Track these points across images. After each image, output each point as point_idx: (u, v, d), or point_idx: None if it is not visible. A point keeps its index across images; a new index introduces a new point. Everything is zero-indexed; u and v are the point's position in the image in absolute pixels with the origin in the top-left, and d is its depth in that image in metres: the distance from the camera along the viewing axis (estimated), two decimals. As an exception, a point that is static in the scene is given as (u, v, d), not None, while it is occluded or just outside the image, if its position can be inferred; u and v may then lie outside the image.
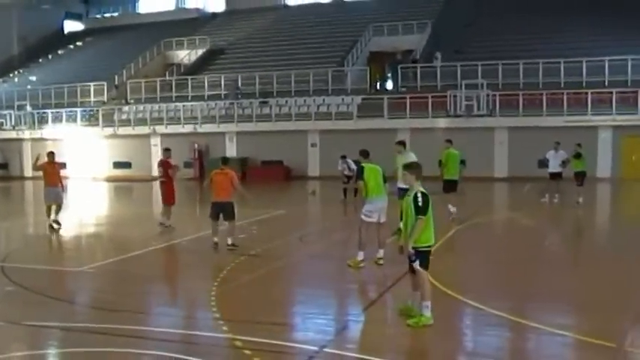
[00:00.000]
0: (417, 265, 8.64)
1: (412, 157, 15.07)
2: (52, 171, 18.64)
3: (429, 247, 8.70)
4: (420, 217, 8.54)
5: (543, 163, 23.85)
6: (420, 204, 8.55)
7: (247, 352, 7.59)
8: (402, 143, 15.95)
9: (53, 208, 18.50)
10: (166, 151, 19.15)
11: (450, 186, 18.99)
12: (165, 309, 10.21)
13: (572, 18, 40.57)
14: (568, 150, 23.07)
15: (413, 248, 8.60)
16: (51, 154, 19.02)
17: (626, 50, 35.03)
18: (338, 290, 11.26)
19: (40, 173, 18.98)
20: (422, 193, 8.61)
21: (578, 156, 22.79)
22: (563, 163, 22.66)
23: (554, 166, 22.85)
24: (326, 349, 7.81)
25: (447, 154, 19.17)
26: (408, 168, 9.05)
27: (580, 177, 22.71)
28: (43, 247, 16.95)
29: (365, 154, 13.19)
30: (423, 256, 8.67)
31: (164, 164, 18.44)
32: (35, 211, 22.31)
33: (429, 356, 8.12)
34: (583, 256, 14.94)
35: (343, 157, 24.80)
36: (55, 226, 18.26)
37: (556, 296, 10.43)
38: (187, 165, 39.70)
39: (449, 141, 19.93)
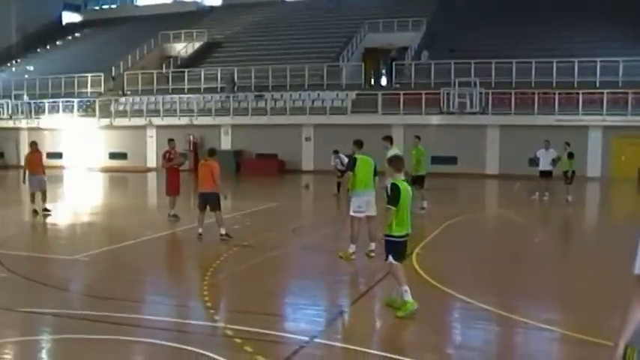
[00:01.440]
0: (390, 259, 8.86)
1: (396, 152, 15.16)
2: (35, 160, 19.60)
3: (401, 237, 8.86)
4: (388, 206, 8.75)
5: (534, 162, 23.98)
6: (389, 194, 8.75)
7: (238, 340, 7.66)
8: (389, 138, 15.57)
9: (39, 195, 19.26)
10: (169, 141, 19.25)
11: (421, 182, 19.20)
12: (157, 298, 10.28)
13: (565, 19, 40.58)
14: (558, 148, 23.24)
15: (385, 236, 8.85)
16: (34, 144, 20.14)
17: (617, 52, 35.21)
18: (329, 282, 11.36)
19: None
20: (392, 184, 8.78)
21: (570, 156, 22.96)
22: (554, 162, 22.80)
23: (544, 165, 22.94)
24: (316, 340, 7.89)
25: (420, 150, 19.20)
26: (388, 162, 9.23)
27: (571, 176, 22.89)
28: (37, 235, 17.07)
29: (359, 144, 12.99)
30: (394, 246, 8.87)
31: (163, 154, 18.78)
32: (30, 199, 22.35)
33: (417, 348, 8.15)
34: (571, 253, 15.12)
35: (336, 152, 24.93)
36: (46, 213, 18.95)
37: (544, 292, 10.58)
38: (182, 157, 39.80)
39: (418, 137, 19.92)
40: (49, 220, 18.62)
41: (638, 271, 4.01)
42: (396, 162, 9.07)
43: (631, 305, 3.95)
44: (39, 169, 19.47)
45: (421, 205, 18.91)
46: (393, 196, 8.69)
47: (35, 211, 18.99)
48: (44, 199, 19.24)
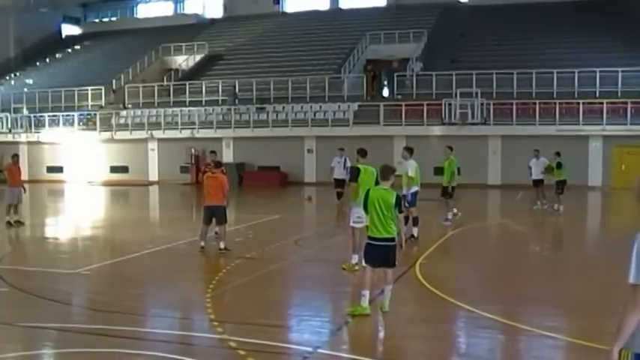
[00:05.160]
0: (363, 261, 9.70)
1: (408, 165, 15.36)
2: (16, 172, 20.21)
3: (371, 239, 9.31)
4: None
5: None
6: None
7: (242, 352, 7.65)
8: (409, 149, 15.90)
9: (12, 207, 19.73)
10: (211, 153, 18.53)
11: (450, 192, 19.42)
12: (160, 310, 10.25)
13: (565, 30, 40.76)
14: (550, 157, 23.43)
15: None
16: (15, 156, 20.83)
17: (616, 62, 35.31)
18: (332, 293, 11.35)
19: (28, 177, 19.80)
20: (366, 190, 9.71)
21: (559, 165, 23.02)
22: (546, 170, 23.06)
23: (536, 174, 23.44)
24: (320, 350, 7.89)
25: (453, 161, 19.32)
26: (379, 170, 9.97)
27: (561, 185, 22.92)
28: (38, 250, 17.00)
29: (363, 153, 12.98)
30: (365, 247, 9.56)
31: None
32: (31, 214, 22.36)
33: (421, 357, 8.21)
34: (573, 260, 15.04)
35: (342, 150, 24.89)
36: (18, 224, 19.44)
37: (546, 300, 10.55)
38: (184, 170, 40.09)
39: (450, 147, 19.98)
40: (50, 234, 18.60)
41: (632, 280, 4.02)
42: (383, 171, 9.61)
43: (626, 312, 4.00)
44: (19, 181, 20.11)
45: (445, 216, 19.08)
46: (363, 200, 9.54)
47: (10, 223, 19.34)
48: (16, 211, 19.81)
